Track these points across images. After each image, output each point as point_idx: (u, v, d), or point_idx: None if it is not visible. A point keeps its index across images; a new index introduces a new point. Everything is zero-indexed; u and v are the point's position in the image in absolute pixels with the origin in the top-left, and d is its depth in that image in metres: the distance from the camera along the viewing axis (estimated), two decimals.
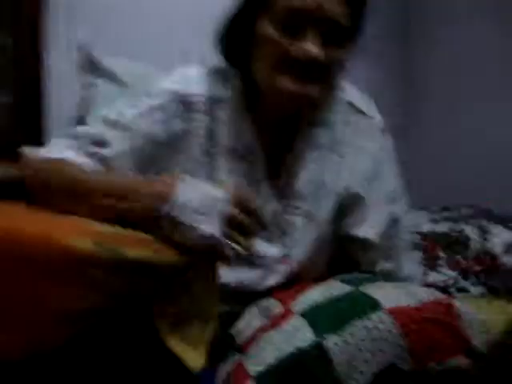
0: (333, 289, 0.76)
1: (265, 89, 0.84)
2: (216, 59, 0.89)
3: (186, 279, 0.67)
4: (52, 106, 1.63)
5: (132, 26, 1.73)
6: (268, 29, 0.80)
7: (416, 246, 1.01)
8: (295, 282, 0.89)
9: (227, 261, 0.69)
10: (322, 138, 0.91)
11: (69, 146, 0.81)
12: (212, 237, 0.66)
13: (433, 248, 1.45)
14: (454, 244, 1.47)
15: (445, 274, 1.38)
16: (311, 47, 0.77)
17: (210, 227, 0.66)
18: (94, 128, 0.84)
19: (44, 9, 1.59)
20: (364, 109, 0.94)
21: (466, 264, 1.45)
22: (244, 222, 0.69)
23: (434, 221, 1.59)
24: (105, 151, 0.81)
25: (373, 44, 1.82)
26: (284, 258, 0.90)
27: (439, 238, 1.48)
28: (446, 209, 1.72)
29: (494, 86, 1.89)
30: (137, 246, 0.63)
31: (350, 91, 0.95)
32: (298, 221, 0.90)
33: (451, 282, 1.42)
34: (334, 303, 0.72)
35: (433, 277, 1.37)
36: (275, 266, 0.89)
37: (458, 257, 1.48)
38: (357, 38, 0.86)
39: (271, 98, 0.85)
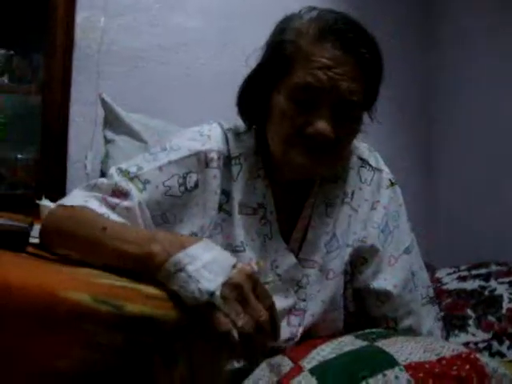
0: (346, 344, 0.71)
1: (277, 158, 0.86)
2: (235, 120, 0.92)
3: (187, 341, 0.63)
4: (75, 162, 1.67)
5: (156, 84, 1.79)
6: (282, 102, 0.82)
7: (435, 301, 0.96)
8: (310, 338, 0.86)
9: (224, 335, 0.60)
10: (335, 193, 0.92)
11: (90, 196, 0.82)
12: (209, 295, 0.61)
13: (461, 307, 1.36)
14: (484, 303, 1.38)
15: (475, 335, 1.29)
16: (324, 127, 0.79)
17: (211, 285, 0.61)
18: (113, 180, 0.84)
19: (71, 69, 1.67)
20: (373, 163, 0.95)
21: (499, 326, 1.34)
22: (249, 300, 0.62)
23: (462, 278, 1.51)
24: (125, 203, 0.81)
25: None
26: (298, 310, 0.88)
27: (468, 297, 1.39)
28: (474, 267, 1.64)
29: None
30: (137, 301, 0.60)
31: (358, 146, 0.96)
32: (313, 274, 0.89)
33: (484, 345, 1.32)
34: (345, 359, 0.67)
35: (462, 338, 1.27)
36: (288, 318, 0.87)
37: (491, 317, 1.38)
38: (371, 108, 0.87)
39: (283, 167, 0.87)
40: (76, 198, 0.82)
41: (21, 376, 0.54)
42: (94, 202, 0.80)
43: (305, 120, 0.80)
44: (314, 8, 0.84)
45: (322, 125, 0.79)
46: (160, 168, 0.85)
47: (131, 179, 0.83)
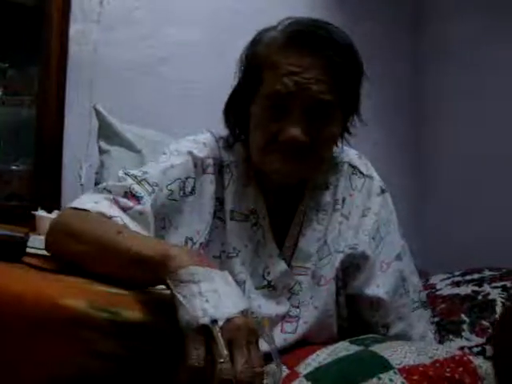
0: (340, 350, 0.72)
1: (257, 167, 0.89)
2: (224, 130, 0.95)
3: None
4: (69, 173, 1.67)
5: (149, 95, 1.80)
6: (257, 112, 0.85)
7: (427, 305, 0.97)
8: (305, 344, 0.86)
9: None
10: (326, 200, 0.93)
11: (100, 198, 0.79)
12: (211, 320, 0.54)
13: (455, 312, 1.37)
14: (478, 308, 1.39)
15: (469, 340, 1.30)
16: (295, 132, 0.80)
17: (217, 312, 0.55)
18: (127, 182, 0.83)
19: (66, 81, 1.68)
20: (364, 170, 0.96)
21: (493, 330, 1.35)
22: (241, 348, 0.53)
23: (456, 284, 1.52)
24: (139, 206, 0.80)
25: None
26: (291, 317, 0.89)
27: (461, 302, 1.40)
28: (468, 273, 1.64)
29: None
30: (133, 308, 0.59)
31: (349, 153, 0.98)
32: (305, 281, 0.90)
33: (478, 349, 1.33)
34: (340, 364, 0.68)
35: (456, 343, 1.28)
36: (282, 325, 0.88)
37: (485, 322, 1.38)
38: (352, 107, 0.88)
39: (264, 173, 0.89)
40: (85, 200, 0.80)
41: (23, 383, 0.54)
42: (105, 202, 0.78)
43: (278, 127, 0.82)
44: (290, 18, 0.85)
45: (293, 130, 0.81)
46: (164, 172, 0.86)
47: (140, 182, 0.84)
